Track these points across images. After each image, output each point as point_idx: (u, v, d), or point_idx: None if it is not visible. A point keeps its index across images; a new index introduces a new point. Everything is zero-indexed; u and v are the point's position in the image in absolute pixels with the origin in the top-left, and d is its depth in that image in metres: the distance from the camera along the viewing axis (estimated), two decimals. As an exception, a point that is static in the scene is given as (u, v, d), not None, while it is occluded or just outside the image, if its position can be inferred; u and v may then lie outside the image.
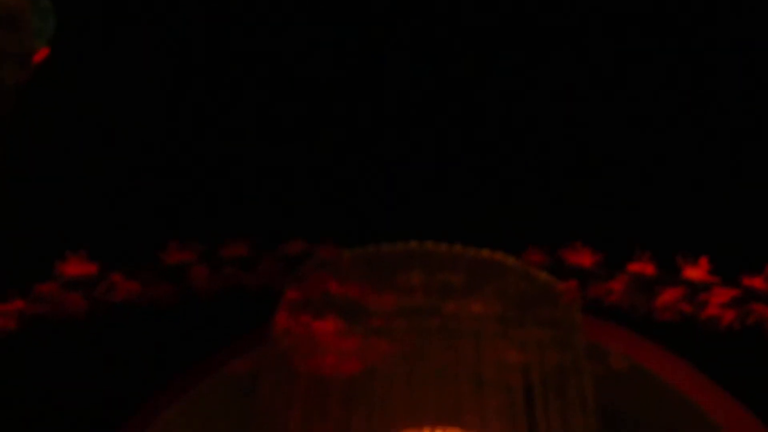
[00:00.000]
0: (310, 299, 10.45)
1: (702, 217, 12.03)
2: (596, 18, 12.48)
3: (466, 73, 12.30)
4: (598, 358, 11.73)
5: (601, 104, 12.56)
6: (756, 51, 12.21)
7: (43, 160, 12.05)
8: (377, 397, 10.30)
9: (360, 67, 12.56)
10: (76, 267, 10.76)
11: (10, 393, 11.53)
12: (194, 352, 12.07)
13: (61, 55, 9.56)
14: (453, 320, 10.38)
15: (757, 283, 10.48)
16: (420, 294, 10.30)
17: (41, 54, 8.70)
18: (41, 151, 11.90)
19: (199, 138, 12.34)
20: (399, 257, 10.36)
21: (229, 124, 12.43)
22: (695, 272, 10.68)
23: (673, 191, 12.46)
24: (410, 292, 10.32)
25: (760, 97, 12.27)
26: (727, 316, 10.56)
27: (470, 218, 11.71)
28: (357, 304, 10.37)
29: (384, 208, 11.85)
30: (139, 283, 10.73)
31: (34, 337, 10.66)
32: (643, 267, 10.66)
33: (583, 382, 10.57)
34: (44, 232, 11.74)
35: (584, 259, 10.68)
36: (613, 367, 12.05)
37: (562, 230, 11.13)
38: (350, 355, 10.50)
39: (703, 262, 10.54)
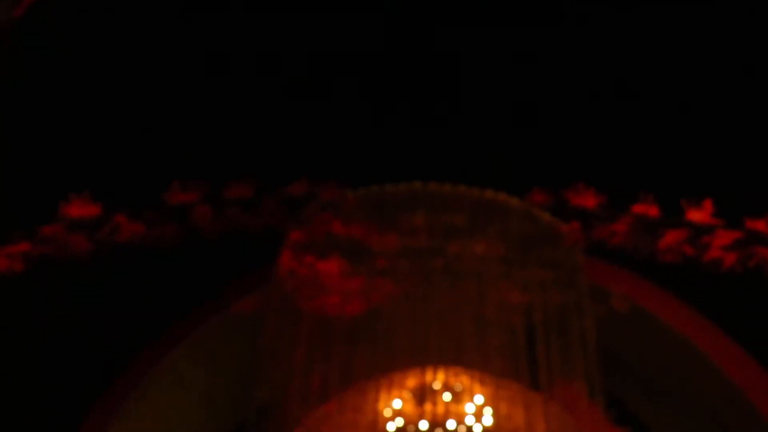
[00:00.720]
0: (314, 240, 10.47)
1: (706, 159, 11.95)
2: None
3: (470, 7, 12.06)
4: (600, 299, 11.80)
5: (605, 45, 12.35)
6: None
7: (44, 102, 11.95)
8: (380, 337, 10.41)
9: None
10: (79, 208, 10.77)
11: (16, 334, 11.67)
12: (199, 292, 12.19)
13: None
14: (456, 261, 10.40)
15: (760, 225, 10.45)
16: (423, 235, 10.31)
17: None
18: (42, 94, 11.79)
19: (202, 79, 12.20)
20: (402, 198, 10.35)
21: (230, 65, 12.27)
22: (699, 214, 10.65)
23: (678, 133, 12.34)
24: (414, 233, 10.32)
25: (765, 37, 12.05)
26: (730, 258, 10.55)
27: (474, 159, 11.65)
28: (360, 245, 10.39)
29: (387, 148, 11.77)
30: (143, 224, 10.75)
31: (40, 279, 10.74)
32: (647, 209, 10.63)
33: (584, 323, 10.66)
34: (47, 175, 11.73)
35: (588, 200, 10.65)
36: (615, 308, 12.13)
37: (566, 171, 11.07)
38: (354, 296, 10.57)
39: (707, 204, 10.49)
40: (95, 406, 11.97)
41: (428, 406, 11.90)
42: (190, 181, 10.68)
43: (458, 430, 13.50)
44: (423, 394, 11.45)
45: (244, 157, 11.68)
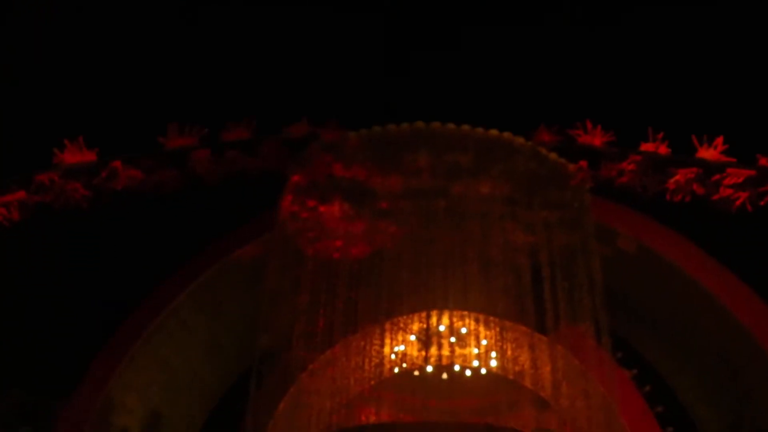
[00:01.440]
0: (315, 183, 10.28)
1: (719, 95, 11.64)
2: None
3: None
4: (606, 240, 11.63)
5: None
6: None
7: (36, 48, 11.65)
8: (385, 281, 10.28)
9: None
10: (74, 155, 10.57)
11: (15, 283, 11.60)
12: (200, 239, 12.08)
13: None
14: (460, 202, 10.21)
15: (773, 163, 10.18)
16: (427, 175, 10.09)
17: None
18: (35, 39, 11.49)
19: (198, 18, 11.85)
20: (405, 138, 10.08)
21: (225, 3, 11.91)
22: (710, 152, 10.37)
23: (689, 68, 12.00)
24: (417, 174, 10.11)
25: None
26: (741, 197, 10.30)
27: (478, 97, 11.37)
28: (363, 187, 10.20)
29: (389, 87, 11.48)
30: (140, 171, 10.55)
31: (37, 227, 10.61)
32: (657, 147, 10.36)
33: (591, 263, 10.51)
34: (41, 121, 11.50)
35: (595, 138, 10.39)
36: (622, 249, 11.99)
37: (573, 109, 10.80)
38: (357, 239, 10.43)
39: (719, 141, 10.20)
40: (99, 354, 11.94)
41: (433, 350, 11.88)
42: (186, 124, 10.47)
43: (464, 373, 13.54)
44: (428, 338, 11.39)
45: (242, 99, 11.42)
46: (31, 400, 19.01)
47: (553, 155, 10.38)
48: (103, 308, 12.18)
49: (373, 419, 12.45)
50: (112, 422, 11.86)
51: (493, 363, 12.40)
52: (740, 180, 10.23)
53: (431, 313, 11.07)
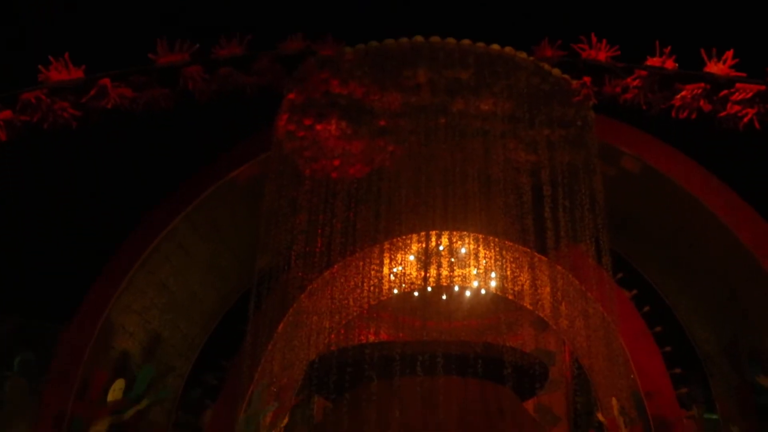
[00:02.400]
0: (312, 100, 9.96)
1: (729, 6, 11.20)
2: None
3: None
4: (609, 159, 11.44)
5: None
6: None
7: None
8: (384, 200, 10.13)
9: None
10: (60, 73, 10.20)
11: (8, 207, 11.45)
12: (195, 159, 11.87)
13: None
14: (461, 119, 9.93)
15: (785, 78, 9.85)
16: (426, 92, 9.77)
17: None
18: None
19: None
20: (404, 53, 9.69)
21: None
22: (718, 67, 10.02)
23: (701, -20, 11.52)
24: (416, 91, 9.78)
25: None
26: (748, 114, 10.01)
27: (479, 11, 10.95)
28: (361, 104, 9.90)
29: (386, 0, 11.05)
30: (130, 88, 10.20)
31: (26, 148, 10.36)
32: (663, 62, 10.00)
33: (593, 183, 10.33)
34: (24, 39, 11.09)
35: (600, 53, 10.02)
36: (625, 168, 11.81)
37: (577, 23, 10.40)
38: (355, 158, 10.21)
39: (729, 55, 9.84)
40: (97, 278, 11.89)
41: (433, 270, 11.85)
42: (177, 40, 10.08)
43: (463, 293, 13.60)
44: (427, 258, 11.33)
45: (235, 13, 10.96)
46: (31, 325, 19.19)
47: (556, 71, 10.03)
48: (99, 231, 12.05)
49: (372, 339, 12.57)
50: (113, 345, 11.92)
51: (493, 283, 12.41)
52: (749, 96, 9.90)
53: (431, 233, 10.95)
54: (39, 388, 13.39)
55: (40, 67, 10.11)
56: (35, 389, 15.80)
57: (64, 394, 11.18)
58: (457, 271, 12.04)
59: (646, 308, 13.02)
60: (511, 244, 10.99)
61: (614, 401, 12.70)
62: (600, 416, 13.71)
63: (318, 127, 10.11)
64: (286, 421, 13.73)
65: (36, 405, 12.43)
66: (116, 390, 11.66)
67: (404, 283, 12.11)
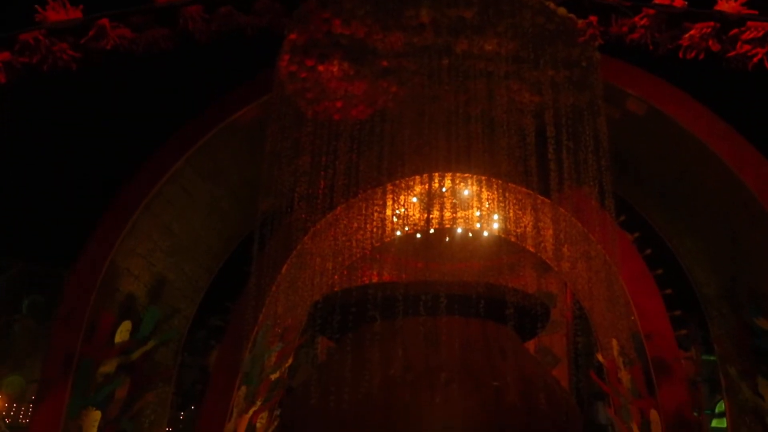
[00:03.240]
0: (314, 40, 9.79)
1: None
2: None
3: None
4: (615, 101, 11.31)
5: None
6: None
7: None
8: (387, 142, 10.07)
9: None
10: (58, 13, 10.06)
11: (11, 151, 11.41)
12: (196, 101, 11.76)
13: None
14: (464, 60, 9.78)
15: (798, 16, 9.65)
16: (429, 32, 9.59)
17: None
18: None
19: None
20: (406, -8, 9.49)
21: None
22: (729, 4, 9.82)
23: None
24: (419, 31, 9.59)
25: None
26: (758, 53, 9.84)
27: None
28: (363, 45, 9.73)
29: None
30: (129, 29, 10.07)
31: (26, 90, 10.28)
32: (672, -1, 9.81)
33: (597, 125, 10.23)
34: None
35: (607, -9, 9.82)
36: (630, 110, 11.69)
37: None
38: (358, 99, 10.11)
39: (741, -10, 9.63)
40: (100, 221, 11.92)
41: (435, 212, 11.86)
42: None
43: (466, 235, 13.63)
44: (430, 200, 11.32)
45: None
46: (38, 270, 19.45)
47: (561, 10, 9.80)
48: (101, 175, 12.04)
49: (375, 281, 12.66)
50: (119, 288, 12.04)
51: (495, 225, 12.43)
52: (760, 34, 9.76)
53: (433, 175, 10.92)
54: (48, 330, 13.63)
55: (37, 7, 10.03)
56: (44, 331, 16.13)
57: (71, 335, 11.32)
58: (460, 213, 12.03)
59: (648, 251, 13.07)
60: (514, 186, 10.96)
61: (614, 342, 12.87)
62: (600, 357, 13.92)
63: (320, 68, 9.97)
64: (290, 361, 13.97)
65: (45, 346, 12.66)
66: (123, 332, 11.83)
67: (407, 225, 12.13)
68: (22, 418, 19.43)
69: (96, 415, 11.19)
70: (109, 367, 11.63)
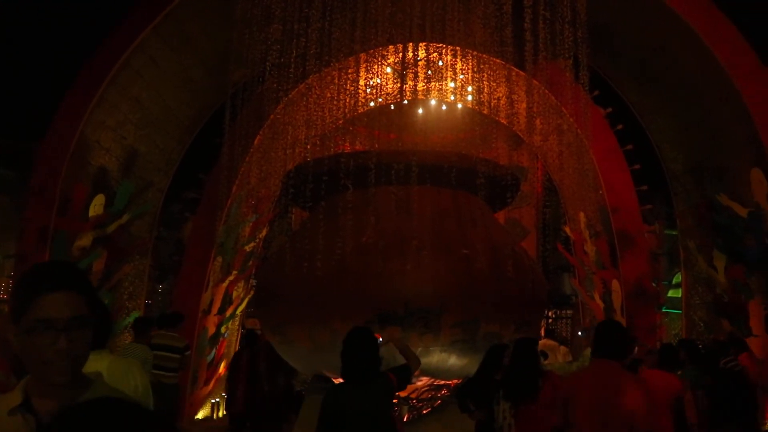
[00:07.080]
0: None
1: None
2: None
3: None
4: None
5: None
6: None
7: None
8: (359, 7, 9.76)
9: None
10: None
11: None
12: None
13: None
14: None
15: None
16: None
17: None
18: None
19: None
20: None
21: None
22: None
23: None
24: None
25: None
26: None
27: None
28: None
29: None
30: None
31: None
32: None
33: (575, -5, 9.99)
34: None
35: None
36: (609, -20, 11.43)
37: None
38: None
39: None
40: (67, 94, 11.64)
41: (409, 82, 11.73)
42: None
43: (439, 107, 13.57)
44: (404, 70, 11.15)
45: None
46: (7, 145, 19.14)
47: None
48: (68, 48, 11.62)
49: (347, 150, 12.63)
50: (90, 161, 11.91)
51: (470, 98, 12.36)
52: None
53: (407, 44, 10.70)
54: (21, 205, 13.56)
55: None
56: (18, 206, 16.05)
57: (45, 209, 11.28)
58: (434, 84, 11.91)
59: (620, 126, 13.17)
60: (488, 57, 10.81)
61: (582, 215, 13.20)
62: (567, 230, 14.32)
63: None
64: (265, 232, 14.18)
65: (19, 221, 12.63)
66: (97, 205, 11.84)
67: (380, 95, 12.01)
68: (2, 293, 19.69)
69: (74, 286, 11.35)
70: (85, 240, 11.70)
